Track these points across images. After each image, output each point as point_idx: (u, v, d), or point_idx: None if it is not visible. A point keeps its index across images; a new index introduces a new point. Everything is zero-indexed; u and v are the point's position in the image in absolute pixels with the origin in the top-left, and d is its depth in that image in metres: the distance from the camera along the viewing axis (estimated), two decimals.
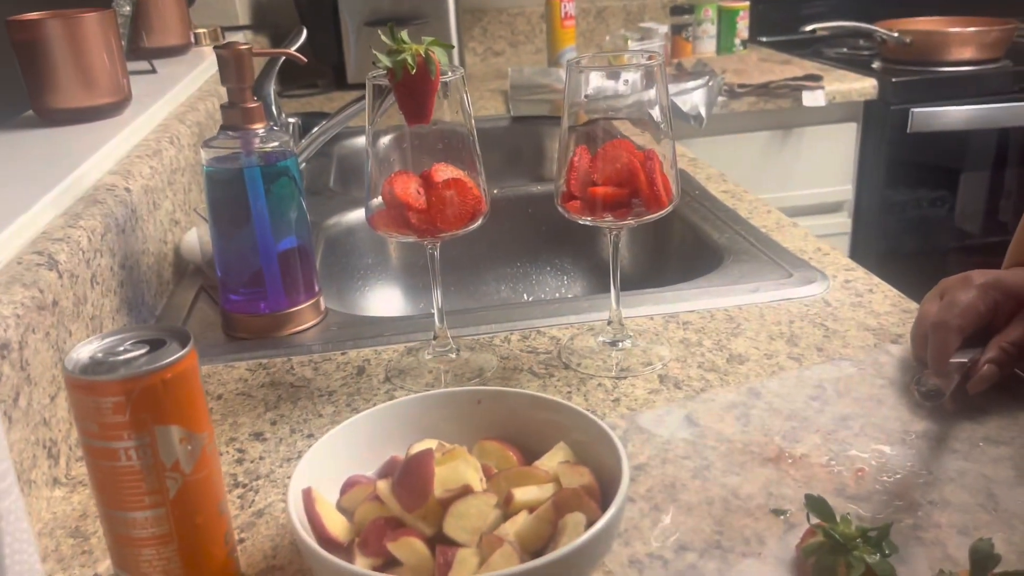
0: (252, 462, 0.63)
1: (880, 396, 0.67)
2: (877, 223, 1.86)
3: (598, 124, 0.69)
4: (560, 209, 0.71)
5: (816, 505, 0.52)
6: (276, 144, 0.79)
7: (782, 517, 0.54)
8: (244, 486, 0.60)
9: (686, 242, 1.06)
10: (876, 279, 0.86)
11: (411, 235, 0.68)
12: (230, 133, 0.78)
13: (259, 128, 0.78)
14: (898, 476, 0.57)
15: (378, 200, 0.70)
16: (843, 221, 1.84)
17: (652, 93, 0.68)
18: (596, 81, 0.68)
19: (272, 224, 0.80)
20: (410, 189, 0.67)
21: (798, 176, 1.80)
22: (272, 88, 1.18)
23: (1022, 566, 0.48)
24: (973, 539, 0.47)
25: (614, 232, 0.71)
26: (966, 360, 0.64)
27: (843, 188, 1.83)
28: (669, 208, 0.68)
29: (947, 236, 1.94)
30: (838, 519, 0.50)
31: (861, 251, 1.85)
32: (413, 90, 0.62)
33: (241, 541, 0.54)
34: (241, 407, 0.70)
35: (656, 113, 0.68)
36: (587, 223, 0.69)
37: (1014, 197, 1.92)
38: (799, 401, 0.67)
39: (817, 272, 0.88)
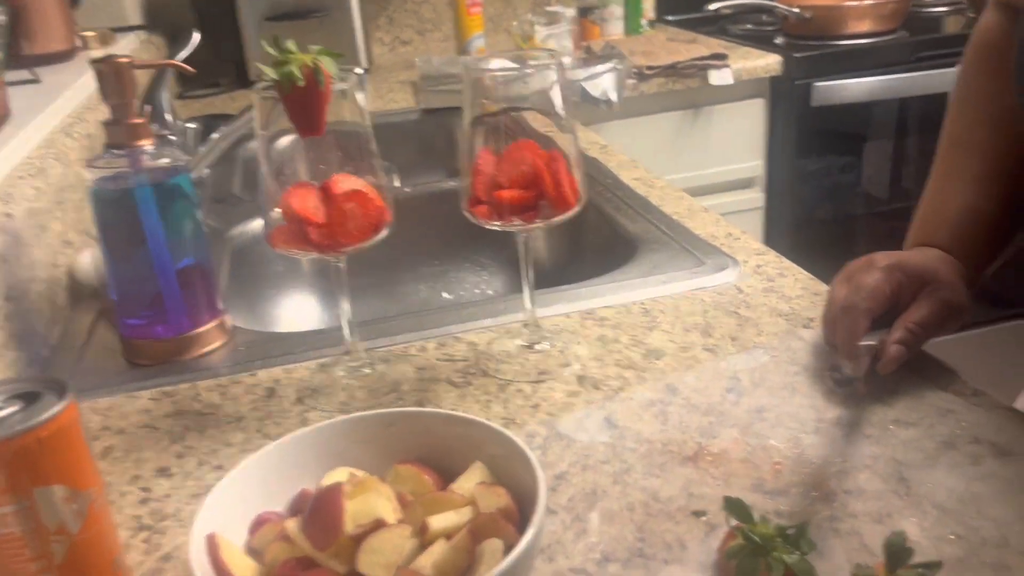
0: (158, 501, 0.60)
1: (794, 384, 0.67)
2: (789, 195, 1.89)
3: (502, 117, 0.67)
4: (467, 215, 0.69)
5: (735, 507, 0.51)
6: (167, 160, 0.76)
7: (703, 519, 0.54)
8: (149, 528, 0.57)
9: (600, 233, 1.06)
10: (787, 262, 0.87)
11: (312, 251, 0.65)
12: (116, 151, 0.74)
13: (147, 144, 0.74)
14: (814, 466, 0.58)
15: (277, 213, 0.67)
16: (756, 196, 1.87)
17: (555, 90, 0.66)
18: (498, 62, 0.67)
19: (168, 243, 0.76)
20: (309, 204, 0.65)
21: (710, 154, 1.81)
22: (165, 94, 1.13)
23: (935, 551, 0.49)
24: (888, 527, 0.48)
25: (523, 235, 0.70)
26: (875, 342, 0.65)
27: (754, 164, 1.86)
28: (576, 209, 0.67)
29: (856, 203, 2.00)
30: (756, 520, 0.50)
31: (775, 224, 1.89)
32: (303, 103, 0.60)
33: None
34: (145, 441, 0.67)
35: (559, 108, 0.67)
36: (496, 228, 0.68)
37: (916, 164, 1.98)
38: (716, 395, 0.67)
39: (728, 259, 0.88)
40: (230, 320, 0.82)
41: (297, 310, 1.14)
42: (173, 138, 1.17)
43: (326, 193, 0.65)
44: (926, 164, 0.78)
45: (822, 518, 0.53)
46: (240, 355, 0.78)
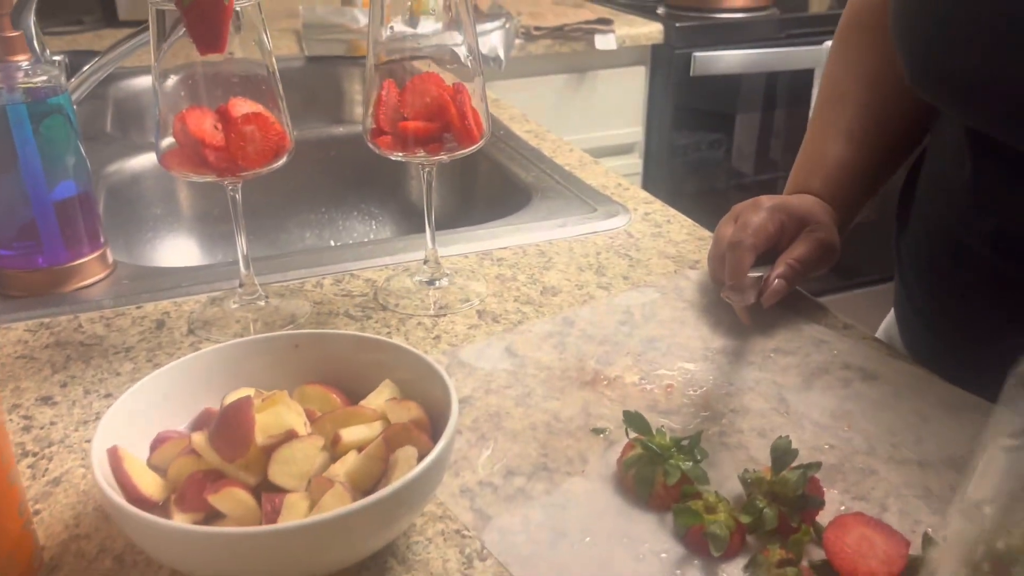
0: (42, 428, 0.57)
1: (683, 318, 0.71)
2: (666, 164, 1.97)
3: (403, 64, 0.67)
4: (370, 145, 0.68)
5: (633, 420, 0.54)
6: (44, 78, 0.71)
7: (602, 435, 0.57)
8: (35, 455, 0.54)
9: (493, 182, 1.07)
10: (672, 211, 0.91)
11: (209, 175, 0.63)
12: None
13: (22, 60, 0.70)
14: (703, 389, 0.61)
15: (169, 140, 0.64)
16: (635, 162, 1.93)
17: (458, 36, 0.67)
18: (398, 25, 0.66)
19: (45, 169, 0.72)
20: (205, 125, 0.63)
21: (593, 118, 1.86)
22: (32, 19, 1.05)
23: (813, 458, 0.53)
24: (771, 440, 0.51)
25: (427, 169, 0.70)
26: (760, 275, 0.69)
27: (634, 130, 1.92)
28: (481, 142, 0.68)
29: (725, 177, 2.09)
30: (654, 432, 0.53)
31: (652, 191, 1.95)
32: (204, 13, 0.57)
33: (36, 513, 0.49)
34: (23, 371, 0.63)
35: (463, 53, 0.67)
36: (399, 159, 0.68)
37: (783, 137, 2.09)
38: (610, 327, 0.69)
39: (619, 206, 0.91)
40: (112, 254, 0.79)
41: (177, 254, 1.10)
42: (56, 58, 1.10)
43: (223, 116, 0.63)
44: (792, 137, 0.83)
45: (712, 434, 0.56)
46: (125, 288, 0.75)
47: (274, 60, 0.65)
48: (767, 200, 0.71)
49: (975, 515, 0.29)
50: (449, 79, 0.67)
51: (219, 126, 0.63)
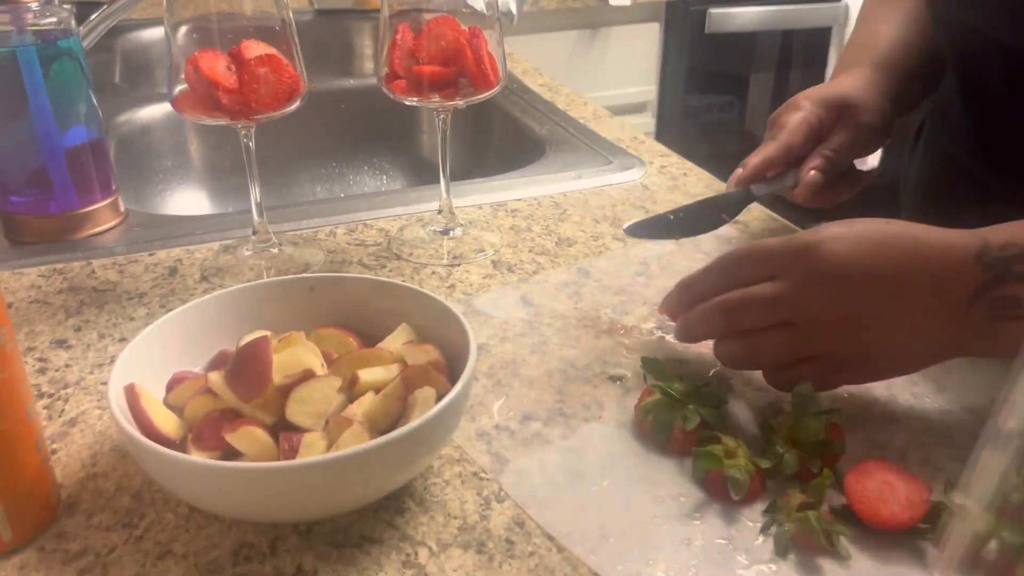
0: (57, 371, 0.57)
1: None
2: (678, 126, 1.94)
3: (417, 16, 0.66)
4: (385, 90, 0.67)
5: (652, 366, 0.54)
6: (54, 20, 0.70)
7: (618, 383, 0.56)
8: (51, 396, 0.54)
9: (507, 135, 1.05)
10: (689, 164, 0.90)
11: (222, 118, 0.62)
12: None
13: (31, 2, 0.68)
14: None
15: (182, 87, 0.64)
16: (648, 121, 1.91)
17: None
18: None
19: (55, 114, 0.71)
20: (218, 67, 0.61)
21: (605, 76, 1.83)
22: None
23: (833, 407, 0.52)
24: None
25: (442, 115, 0.69)
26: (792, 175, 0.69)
27: (647, 89, 1.89)
28: (498, 88, 0.67)
29: (738, 140, 2.07)
30: (672, 379, 0.52)
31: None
32: None
33: (53, 452, 0.49)
34: (37, 315, 0.63)
35: (479, 5, 0.66)
36: (413, 104, 0.67)
37: None
38: (626, 277, 0.69)
39: (635, 159, 0.90)
40: (123, 202, 0.78)
41: (187, 206, 1.09)
42: (66, 5, 1.08)
43: (236, 58, 0.62)
44: None
45: (732, 380, 0.56)
46: (137, 235, 0.74)
47: (290, 12, 0.64)
48: (803, 98, 0.70)
49: (1006, 444, 0.28)
50: (465, 23, 0.65)
51: (232, 68, 0.62)
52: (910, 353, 0.50)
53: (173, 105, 0.64)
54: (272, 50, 0.63)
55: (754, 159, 0.69)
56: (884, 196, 0.84)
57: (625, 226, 0.60)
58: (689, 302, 0.54)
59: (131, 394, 0.44)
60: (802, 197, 0.67)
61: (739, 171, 0.69)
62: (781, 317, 0.50)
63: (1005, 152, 0.68)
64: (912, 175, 0.81)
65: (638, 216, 0.78)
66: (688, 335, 0.54)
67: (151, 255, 0.72)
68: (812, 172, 0.67)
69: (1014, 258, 0.46)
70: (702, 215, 0.65)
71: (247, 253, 0.71)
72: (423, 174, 1.19)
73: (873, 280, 0.48)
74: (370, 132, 1.18)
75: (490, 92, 0.67)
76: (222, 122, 0.63)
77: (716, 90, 1.97)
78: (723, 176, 0.84)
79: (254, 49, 0.63)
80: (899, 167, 0.84)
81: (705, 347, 0.59)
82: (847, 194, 0.72)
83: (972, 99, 0.70)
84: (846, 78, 0.72)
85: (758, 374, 0.55)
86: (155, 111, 1.07)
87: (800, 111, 0.69)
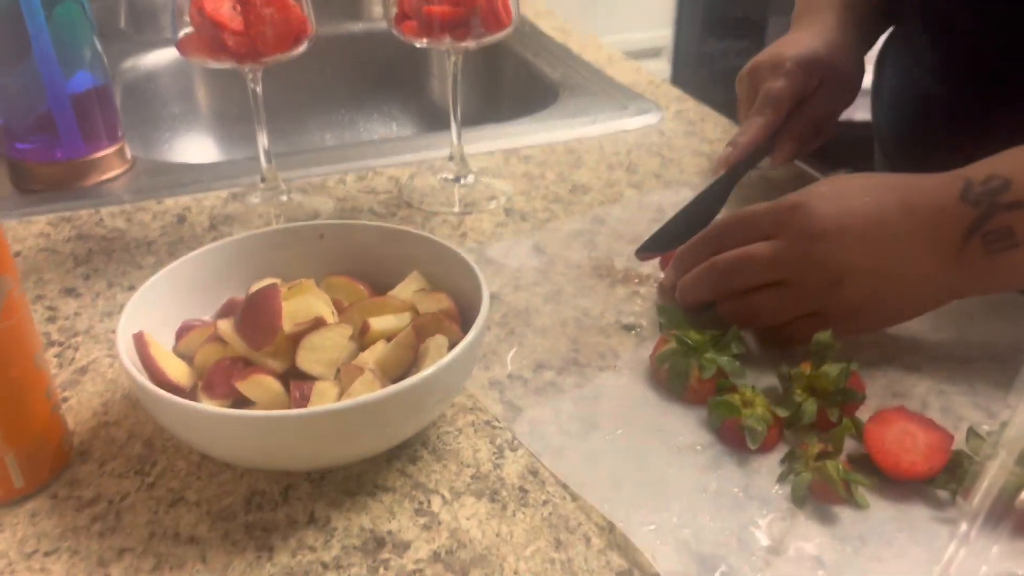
0: (66, 319, 0.56)
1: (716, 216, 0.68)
2: (694, 73, 1.90)
3: None
4: (394, 31, 0.65)
5: (668, 314, 0.53)
6: None
7: (633, 332, 0.55)
8: (61, 344, 0.54)
9: (519, 79, 1.03)
10: (707, 108, 0.88)
11: (228, 60, 0.61)
12: None
13: None
14: None
15: (187, 30, 0.62)
16: (664, 67, 1.87)
17: None
18: None
19: (59, 59, 0.70)
20: (223, 8, 0.60)
21: (619, 19, 1.79)
22: None
23: (853, 355, 0.51)
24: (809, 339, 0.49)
25: (453, 58, 0.67)
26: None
27: (663, 33, 1.85)
28: (510, 29, 0.65)
29: None
30: (689, 327, 0.51)
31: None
32: None
33: (64, 400, 0.49)
34: (45, 263, 0.62)
35: None
36: (423, 45, 0.65)
37: None
38: (641, 225, 0.67)
39: (651, 104, 0.88)
40: (129, 150, 0.77)
41: (194, 153, 1.08)
42: None
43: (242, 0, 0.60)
44: None
45: (749, 331, 0.55)
46: (144, 183, 0.73)
47: None
48: (786, 57, 0.68)
49: None
50: None
51: (238, 8, 0.60)
52: (907, 302, 0.50)
53: (178, 48, 0.62)
54: None
55: (743, 139, 0.68)
56: (857, 138, 0.84)
57: (636, 250, 0.60)
58: (684, 270, 0.54)
59: (140, 342, 0.43)
60: (778, 163, 0.68)
61: (728, 151, 0.68)
62: (776, 275, 0.50)
63: (968, 72, 0.67)
64: (881, 105, 0.81)
65: (654, 162, 0.77)
66: (685, 298, 0.55)
67: (159, 203, 0.71)
68: (791, 144, 0.68)
69: (998, 189, 0.47)
70: (701, 209, 0.64)
71: (256, 200, 0.70)
72: (434, 121, 1.17)
73: (863, 233, 0.48)
74: (380, 78, 1.16)
75: (502, 33, 0.65)
76: (228, 65, 0.61)
77: (733, 35, 1.93)
78: (740, 122, 0.82)
79: None
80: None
81: None
82: (817, 144, 0.72)
83: (932, 21, 0.69)
84: (822, 28, 0.71)
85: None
86: (161, 56, 1.05)
87: (785, 78, 0.68)
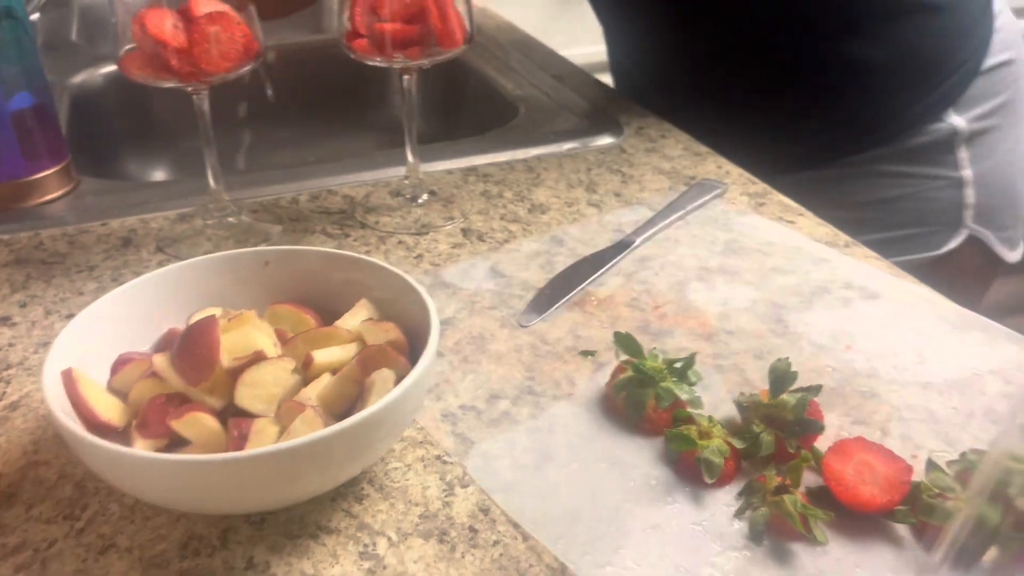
0: (0, 350, 0.54)
1: (677, 236, 0.67)
2: None
3: None
4: (346, 50, 0.64)
5: (624, 342, 0.51)
6: None
7: (590, 358, 0.54)
8: None
9: (479, 95, 1.02)
10: (668, 125, 0.87)
11: (171, 79, 0.59)
12: None
13: None
14: (697, 309, 0.59)
15: (130, 46, 0.60)
16: None
17: None
18: None
19: None
20: (165, 25, 0.58)
21: (581, 32, 1.78)
22: None
23: (811, 382, 0.50)
24: (767, 362, 0.48)
25: (407, 76, 0.66)
26: None
27: None
28: (464, 46, 0.64)
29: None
30: (645, 355, 0.50)
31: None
32: None
33: None
34: None
35: None
36: (377, 64, 0.63)
37: None
38: (601, 246, 0.66)
39: (612, 121, 0.87)
40: (75, 170, 0.74)
41: (146, 170, 1.05)
42: None
43: (185, 16, 0.59)
44: None
45: (706, 356, 0.54)
46: (89, 204, 0.71)
47: None
48: None
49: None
50: None
51: (180, 26, 0.58)
52: None
53: (119, 66, 0.60)
54: (224, 7, 0.59)
55: None
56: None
57: (520, 322, 0.57)
58: None
59: (68, 380, 0.41)
60: None
61: None
62: None
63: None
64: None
65: (614, 180, 0.76)
66: None
67: (103, 225, 0.68)
68: None
69: None
70: (581, 272, 0.62)
71: (204, 223, 0.68)
72: (393, 135, 1.15)
73: None
74: (338, 93, 1.14)
75: (456, 50, 0.63)
76: (172, 84, 0.59)
77: None
78: (701, 138, 0.82)
79: (204, 5, 0.59)
80: None
81: (680, 322, 0.57)
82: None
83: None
84: None
85: (734, 349, 0.53)
86: (114, 70, 1.02)
87: None
